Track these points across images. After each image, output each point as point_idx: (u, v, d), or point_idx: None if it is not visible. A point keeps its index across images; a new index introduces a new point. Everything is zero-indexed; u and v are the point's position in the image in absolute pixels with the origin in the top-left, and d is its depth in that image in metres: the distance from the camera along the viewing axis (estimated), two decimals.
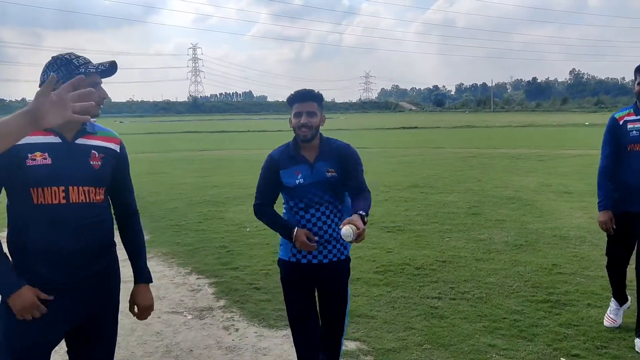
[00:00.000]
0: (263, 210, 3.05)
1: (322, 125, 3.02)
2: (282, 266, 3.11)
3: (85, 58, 2.20)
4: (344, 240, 2.57)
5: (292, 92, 3.01)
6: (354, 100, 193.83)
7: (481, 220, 8.29)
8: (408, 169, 15.44)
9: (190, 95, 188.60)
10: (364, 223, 2.63)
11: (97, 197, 2.22)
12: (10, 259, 2.18)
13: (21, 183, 2.11)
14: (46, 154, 2.12)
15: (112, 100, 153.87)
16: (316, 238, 2.93)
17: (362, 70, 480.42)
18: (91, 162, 2.21)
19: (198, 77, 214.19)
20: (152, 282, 2.50)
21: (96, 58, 2.22)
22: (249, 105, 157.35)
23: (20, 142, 1.95)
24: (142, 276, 2.46)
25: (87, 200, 2.17)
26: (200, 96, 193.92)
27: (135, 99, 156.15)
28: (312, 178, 2.96)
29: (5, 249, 2.18)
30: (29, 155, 2.10)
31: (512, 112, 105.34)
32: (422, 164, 16.83)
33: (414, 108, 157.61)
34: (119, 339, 2.51)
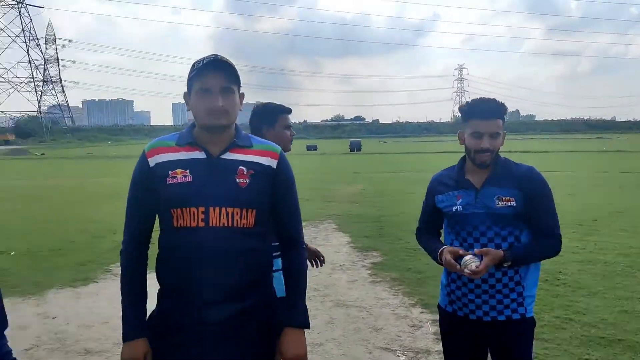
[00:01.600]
0: (419, 235, 2.66)
1: (502, 145, 2.35)
2: (440, 313, 2.58)
3: None
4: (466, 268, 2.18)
5: (468, 102, 2.39)
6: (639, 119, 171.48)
7: None
8: None
9: (453, 115, 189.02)
10: (500, 264, 2.20)
11: (244, 221, 1.86)
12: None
13: (163, 203, 1.89)
14: (187, 171, 1.87)
15: (380, 122, 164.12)
16: (462, 252, 2.27)
17: None
18: (237, 180, 1.87)
19: (462, 97, 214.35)
20: (308, 327, 1.99)
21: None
22: (515, 124, 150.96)
23: (164, 160, 1.86)
24: (293, 318, 1.96)
25: (229, 224, 1.83)
26: None
27: (400, 120, 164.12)
28: (474, 207, 2.31)
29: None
30: (170, 172, 1.87)
31: None
32: None
33: None
34: None
